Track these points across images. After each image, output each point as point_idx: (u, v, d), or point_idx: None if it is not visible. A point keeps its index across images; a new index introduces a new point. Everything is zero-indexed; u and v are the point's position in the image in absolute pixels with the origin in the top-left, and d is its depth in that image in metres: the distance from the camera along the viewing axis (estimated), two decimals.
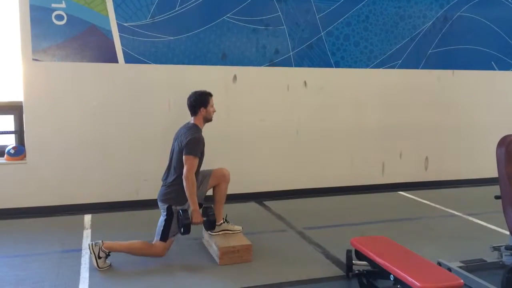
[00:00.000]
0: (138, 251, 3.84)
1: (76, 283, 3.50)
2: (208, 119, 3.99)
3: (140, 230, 4.43)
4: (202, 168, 4.04)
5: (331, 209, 5.63)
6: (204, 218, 3.86)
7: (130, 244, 3.83)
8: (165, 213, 3.84)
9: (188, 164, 3.75)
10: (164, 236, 3.82)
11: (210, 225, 3.94)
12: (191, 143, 3.77)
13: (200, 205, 3.92)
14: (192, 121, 3.98)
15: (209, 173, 4.10)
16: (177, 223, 3.81)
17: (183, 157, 3.78)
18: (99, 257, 3.71)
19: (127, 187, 5.48)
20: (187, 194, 3.76)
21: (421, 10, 6.38)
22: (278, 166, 6.02)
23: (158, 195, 3.94)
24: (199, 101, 3.92)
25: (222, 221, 4.14)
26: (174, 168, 3.90)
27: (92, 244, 3.75)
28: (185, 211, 3.76)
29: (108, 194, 5.42)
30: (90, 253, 3.73)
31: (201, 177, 4.04)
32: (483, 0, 6.60)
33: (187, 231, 3.75)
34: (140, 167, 5.46)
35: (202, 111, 3.93)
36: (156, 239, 3.86)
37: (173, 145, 4.00)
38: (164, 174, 4.01)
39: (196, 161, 3.81)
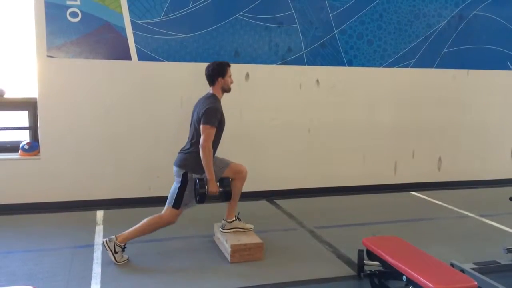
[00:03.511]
0: (150, 227, 3.85)
1: (88, 278, 3.53)
2: (226, 89, 4.00)
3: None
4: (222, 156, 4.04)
5: (342, 208, 5.60)
6: (220, 189, 3.82)
7: (140, 226, 3.84)
8: (179, 179, 3.83)
9: (205, 134, 3.75)
10: (177, 203, 3.82)
11: (226, 196, 3.87)
12: (208, 113, 3.77)
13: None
14: (210, 91, 3.99)
15: (227, 164, 4.06)
16: (193, 192, 3.78)
17: (201, 126, 3.78)
18: (116, 252, 3.74)
19: (140, 184, 5.51)
20: (203, 163, 3.73)
21: (436, 8, 6.31)
22: (289, 165, 6.01)
23: (175, 161, 3.93)
24: (217, 71, 3.95)
25: (234, 219, 4.15)
26: (193, 137, 3.91)
27: (106, 240, 3.78)
28: (201, 180, 3.74)
29: (121, 190, 5.46)
30: (106, 249, 3.76)
31: (219, 163, 4.01)
32: None
33: (202, 200, 3.74)
34: (152, 163, 5.49)
35: (220, 81, 3.94)
36: (168, 206, 3.86)
37: (192, 115, 4.01)
38: (185, 144, 4.02)
39: (213, 130, 3.79)
